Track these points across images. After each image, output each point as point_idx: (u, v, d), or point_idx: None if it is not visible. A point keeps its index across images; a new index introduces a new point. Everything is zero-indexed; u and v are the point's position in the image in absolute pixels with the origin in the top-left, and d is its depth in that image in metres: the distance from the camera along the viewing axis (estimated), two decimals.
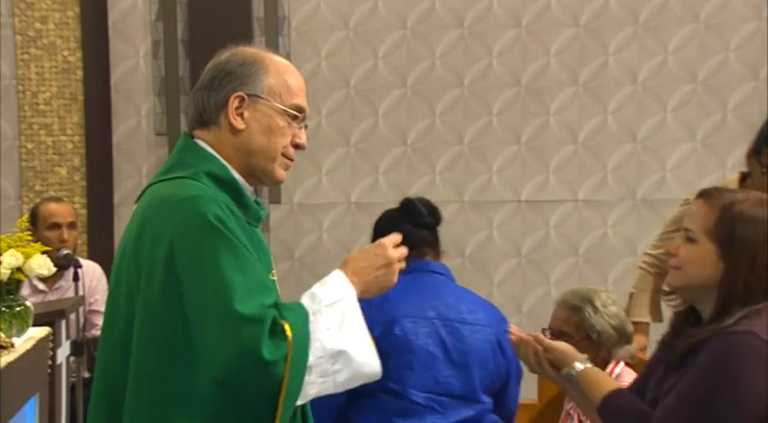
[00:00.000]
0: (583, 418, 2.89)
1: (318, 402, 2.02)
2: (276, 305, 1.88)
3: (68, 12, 5.16)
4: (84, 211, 5.18)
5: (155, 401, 1.86)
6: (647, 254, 3.75)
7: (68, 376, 3.42)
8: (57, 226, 4.32)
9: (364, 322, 1.96)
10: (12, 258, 2.39)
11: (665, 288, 2.33)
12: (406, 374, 2.81)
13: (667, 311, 2.57)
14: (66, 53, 5.17)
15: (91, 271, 4.36)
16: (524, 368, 2.55)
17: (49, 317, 3.11)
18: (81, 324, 3.67)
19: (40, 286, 4.28)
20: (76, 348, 3.49)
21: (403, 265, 2.05)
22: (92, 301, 4.33)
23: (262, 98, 2.00)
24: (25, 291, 4.09)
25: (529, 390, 3.43)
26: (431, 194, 5.25)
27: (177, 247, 1.85)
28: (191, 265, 1.85)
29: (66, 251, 4.02)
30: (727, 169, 5.01)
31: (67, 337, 3.39)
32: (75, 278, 3.78)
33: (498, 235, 5.23)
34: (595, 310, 2.96)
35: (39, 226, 4.24)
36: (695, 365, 2.05)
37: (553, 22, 5.15)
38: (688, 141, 5.16)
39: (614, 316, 2.97)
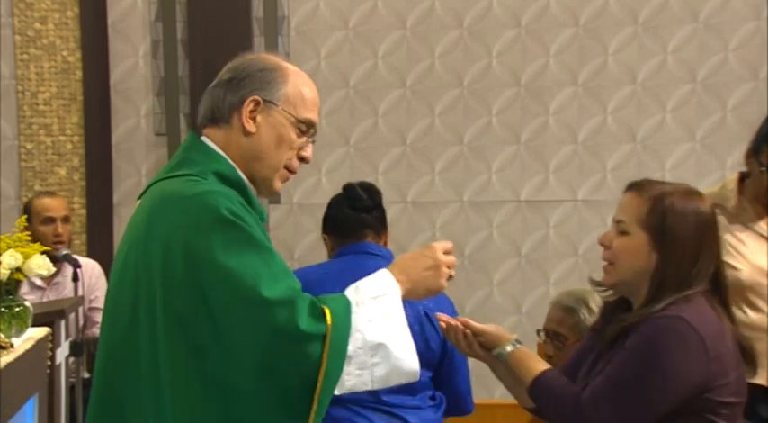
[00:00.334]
0: None
1: None
2: (315, 296, 1.88)
3: (68, 12, 5.16)
4: (83, 211, 5.19)
5: (186, 404, 1.84)
6: None
7: (68, 376, 3.42)
8: (51, 220, 4.31)
9: (406, 320, 1.95)
10: (11, 259, 2.39)
11: (594, 279, 2.37)
12: None
13: None
14: (65, 53, 5.17)
15: (90, 268, 4.35)
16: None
17: (48, 317, 3.11)
18: (80, 324, 3.67)
19: (38, 282, 4.27)
20: (76, 348, 3.49)
21: (453, 272, 2.04)
22: (92, 298, 4.33)
23: (277, 106, 2.01)
24: (23, 287, 4.08)
25: None
26: (431, 194, 5.28)
27: (194, 243, 1.84)
28: (210, 262, 1.83)
29: (65, 251, 4.02)
30: (727, 169, 5.01)
31: (67, 338, 3.39)
32: (75, 278, 3.77)
33: (498, 235, 5.23)
34: (590, 311, 2.95)
35: (33, 221, 4.21)
36: (624, 348, 2.11)
37: (553, 22, 5.15)
38: (687, 141, 5.16)
39: None
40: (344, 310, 1.88)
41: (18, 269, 2.42)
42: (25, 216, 3.13)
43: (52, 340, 2.90)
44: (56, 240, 4.16)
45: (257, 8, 5.16)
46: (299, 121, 2.02)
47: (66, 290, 4.16)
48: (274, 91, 2.02)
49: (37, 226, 4.20)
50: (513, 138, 5.21)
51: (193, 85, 5.10)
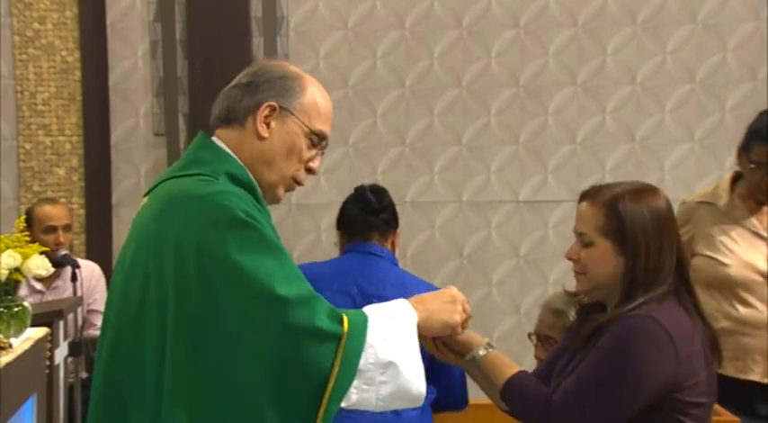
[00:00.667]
0: None
1: None
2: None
3: (67, 12, 5.16)
4: (82, 212, 5.18)
5: (187, 404, 1.83)
6: None
7: (66, 377, 3.41)
8: (53, 229, 4.31)
9: (419, 344, 1.96)
10: (10, 259, 2.39)
11: (569, 290, 2.41)
12: None
13: None
14: (64, 53, 5.17)
15: (90, 271, 4.35)
16: None
17: (46, 317, 3.10)
18: (79, 324, 3.67)
19: (38, 286, 4.27)
20: (74, 349, 3.48)
21: (467, 315, 2.09)
22: (90, 301, 4.33)
23: (292, 114, 2.02)
24: (23, 291, 4.08)
25: None
26: (429, 195, 5.28)
27: (208, 242, 1.84)
28: (225, 259, 1.83)
29: (64, 252, 4.02)
30: (726, 169, 5.01)
31: (65, 338, 3.38)
32: (74, 278, 3.77)
33: (497, 235, 5.24)
34: None
35: (34, 228, 4.21)
36: (596, 348, 2.14)
37: (551, 23, 5.15)
38: (686, 141, 5.16)
39: None
40: (362, 321, 1.89)
41: (17, 269, 2.42)
42: (24, 216, 3.13)
43: (51, 340, 2.90)
44: (56, 249, 4.15)
45: (256, 8, 5.16)
46: (312, 133, 2.04)
47: (66, 293, 4.16)
48: (291, 99, 2.03)
49: (38, 234, 4.20)
50: (511, 138, 5.21)
51: (192, 85, 5.10)
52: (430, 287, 3.12)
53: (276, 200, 2.09)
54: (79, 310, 3.69)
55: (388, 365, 1.88)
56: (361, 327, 1.88)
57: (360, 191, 3.16)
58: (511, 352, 5.05)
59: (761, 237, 3.33)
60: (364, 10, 5.20)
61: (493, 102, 5.20)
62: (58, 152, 5.20)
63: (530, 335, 3.06)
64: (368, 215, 3.10)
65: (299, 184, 2.09)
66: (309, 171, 2.08)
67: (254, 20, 5.16)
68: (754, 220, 3.35)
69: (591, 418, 2.11)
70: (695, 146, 5.16)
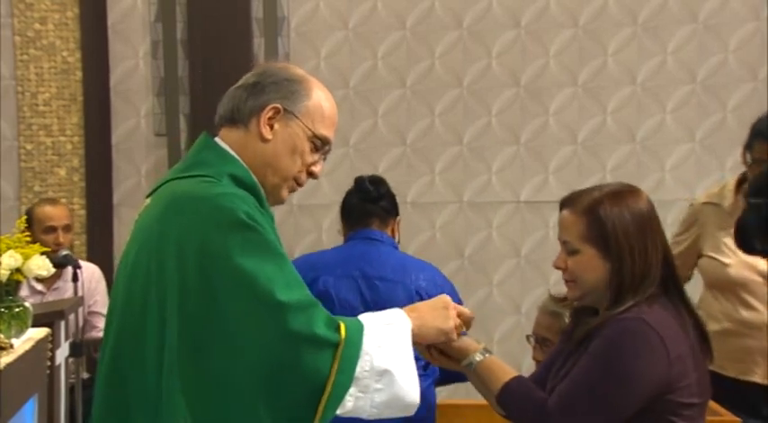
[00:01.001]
0: None
1: None
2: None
3: (68, 12, 5.16)
4: (83, 212, 5.18)
5: (185, 401, 1.83)
6: None
7: (67, 377, 3.41)
8: (53, 229, 4.31)
9: (413, 352, 1.97)
10: (11, 259, 2.39)
11: (557, 295, 2.41)
12: None
13: None
14: (65, 54, 5.17)
15: (90, 273, 4.35)
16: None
17: (47, 318, 3.10)
18: (80, 325, 3.67)
19: (39, 287, 4.27)
20: (75, 349, 3.48)
21: (459, 323, 2.11)
22: (91, 302, 4.33)
23: (297, 117, 2.02)
24: (24, 292, 4.08)
25: None
26: (430, 195, 5.28)
27: (210, 244, 1.84)
28: (227, 261, 1.83)
29: (65, 252, 4.02)
30: (727, 170, 5.02)
31: (66, 338, 3.38)
32: (75, 279, 3.77)
33: (497, 235, 5.23)
34: None
35: (34, 229, 4.20)
36: (589, 352, 2.14)
37: (552, 23, 5.15)
38: (687, 142, 5.16)
39: None
40: (358, 329, 1.89)
41: (18, 270, 2.42)
42: (25, 216, 3.14)
43: (52, 341, 2.90)
44: (56, 250, 4.15)
45: (257, 9, 5.16)
46: (315, 137, 2.04)
47: (67, 294, 4.16)
48: (296, 102, 2.03)
49: (38, 234, 4.20)
50: (512, 138, 5.21)
51: (193, 85, 5.10)
52: (430, 267, 3.31)
53: (280, 201, 2.10)
54: (80, 310, 3.69)
55: (383, 373, 1.89)
56: (357, 334, 1.88)
57: (359, 181, 3.35)
58: (511, 352, 5.06)
59: None
60: (365, 10, 5.20)
61: (494, 102, 5.20)
62: (58, 152, 5.20)
63: (528, 337, 3.07)
64: (367, 204, 3.28)
65: (299, 185, 2.09)
66: (311, 175, 2.08)
67: (255, 20, 5.16)
68: None
69: (586, 422, 2.12)
70: (696, 146, 5.16)
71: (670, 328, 2.13)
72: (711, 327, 3.49)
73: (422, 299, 2.96)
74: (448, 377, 3.22)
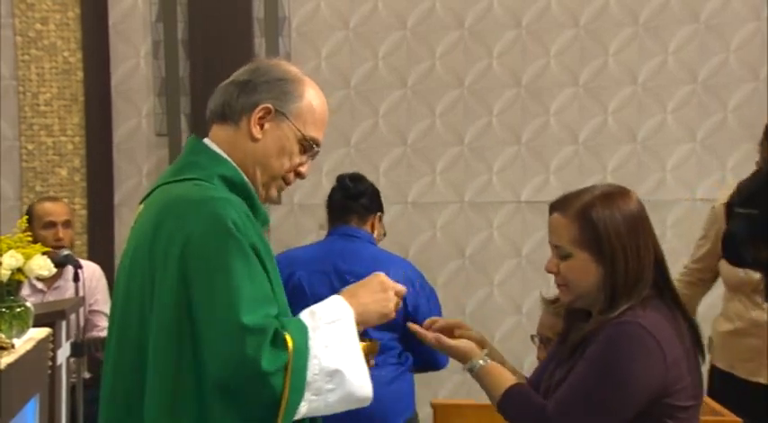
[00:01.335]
0: None
1: None
2: (278, 317, 1.89)
3: (69, 13, 5.16)
4: (84, 212, 5.19)
5: (164, 402, 1.87)
6: (684, 266, 3.72)
7: (69, 377, 3.42)
8: (52, 225, 4.31)
9: (359, 344, 1.98)
10: (12, 259, 2.39)
11: (548, 298, 2.40)
12: None
13: None
14: (66, 54, 5.17)
15: (91, 272, 4.35)
16: None
17: (49, 318, 3.11)
18: (81, 325, 3.67)
19: (39, 286, 4.27)
20: (77, 349, 3.48)
21: (399, 301, 2.08)
22: (92, 301, 4.33)
23: (288, 118, 2.03)
24: (24, 290, 4.08)
25: None
26: (431, 195, 5.28)
27: (192, 248, 1.86)
28: (203, 269, 1.85)
29: (66, 252, 4.01)
30: (727, 170, 5.02)
31: (68, 338, 3.38)
32: (76, 278, 3.77)
33: (498, 235, 5.23)
34: None
35: (34, 225, 4.21)
36: (585, 357, 2.14)
37: (553, 23, 5.15)
38: (688, 142, 5.16)
39: None
40: (304, 336, 1.89)
41: (19, 270, 2.42)
42: (26, 216, 3.14)
43: (53, 341, 2.90)
44: (56, 245, 4.16)
45: (258, 9, 5.17)
46: (305, 139, 2.05)
47: (68, 293, 4.16)
48: (288, 103, 2.03)
49: (38, 230, 4.20)
50: (513, 138, 5.21)
51: (194, 85, 5.10)
52: (401, 261, 3.41)
53: (270, 198, 2.10)
54: (81, 310, 3.69)
55: (333, 373, 1.90)
56: (303, 340, 1.88)
57: (340, 179, 3.49)
58: (512, 352, 5.05)
59: None
60: (366, 10, 5.20)
61: (494, 102, 5.20)
62: (60, 152, 5.20)
63: (532, 337, 3.07)
64: (347, 200, 3.41)
65: (287, 183, 2.09)
66: (298, 175, 2.09)
67: (256, 20, 5.16)
68: None
69: None
70: (697, 146, 5.16)
71: (665, 332, 2.12)
72: (725, 327, 3.51)
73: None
74: (422, 364, 3.29)
